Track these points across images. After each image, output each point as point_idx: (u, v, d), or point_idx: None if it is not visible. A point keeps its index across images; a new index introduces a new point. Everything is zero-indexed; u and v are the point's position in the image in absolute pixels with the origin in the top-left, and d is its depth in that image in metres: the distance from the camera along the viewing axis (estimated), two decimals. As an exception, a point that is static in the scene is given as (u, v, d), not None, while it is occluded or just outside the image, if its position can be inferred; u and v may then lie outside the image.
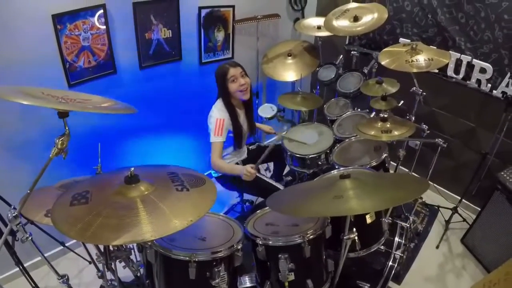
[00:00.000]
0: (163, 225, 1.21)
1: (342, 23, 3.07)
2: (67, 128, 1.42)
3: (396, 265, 2.24)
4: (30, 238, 1.71)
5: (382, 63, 2.63)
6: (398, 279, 2.64)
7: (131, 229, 1.18)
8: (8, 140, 2.37)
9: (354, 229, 1.72)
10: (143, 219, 1.22)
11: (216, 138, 2.49)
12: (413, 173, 3.12)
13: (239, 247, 1.74)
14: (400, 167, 3.04)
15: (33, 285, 2.16)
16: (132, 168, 1.38)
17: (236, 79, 2.52)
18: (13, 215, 1.50)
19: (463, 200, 3.13)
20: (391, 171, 2.82)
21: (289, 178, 3.24)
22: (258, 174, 2.47)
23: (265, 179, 2.63)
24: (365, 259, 2.12)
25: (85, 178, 1.73)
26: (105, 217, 1.22)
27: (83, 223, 1.21)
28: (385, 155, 2.45)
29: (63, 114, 1.39)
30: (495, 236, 2.65)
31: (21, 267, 2.08)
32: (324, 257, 1.88)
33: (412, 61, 2.52)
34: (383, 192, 1.57)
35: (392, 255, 2.29)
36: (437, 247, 2.99)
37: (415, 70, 2.47)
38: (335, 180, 1.65)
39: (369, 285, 2.18)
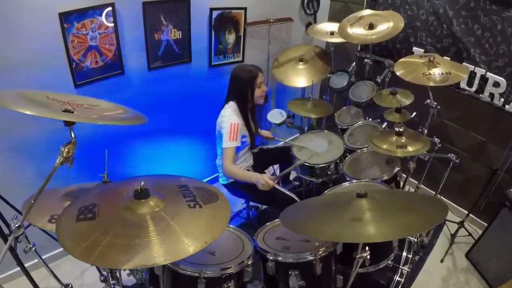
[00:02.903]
0: (175, 248, 1.15)
1: (357, 31, 3.01)
2: (73, 136, 1.35)
3: (403, 280, 2.21)
4: (33, 248, 1.66)
5: (398, 73, 2.57)
6: (402, 291, 2.61)
7: (142, 251, 1.12)
8: (12, 142, 2.31)
9: (367, 248, 1.67)
10: (154, 240, 1.16)
11: (231, 143, 2.40)
12: (422, 185, 3.05)
13: (249, 262, 1.71)
14: (410, 179, 3.00)
15: (35, 286, 2.11)
16: (142, 182, 1.32)
17: (262, 84, 2.52)
18: (16, 225, 1.45)
19: (470, 214, 3.09)
20: (401, 183, 2.77)
21: (297, 183, 3.20)
22: (275, 185, 2.40)
23: (281, 189, 2.54)
24: (371, 273, 2.08)
25: (92, 186, 1.68)
26: (113, 236, 1.16)
27: (89, 241, 1.15)
28: (397, 169, 2.40)
29: (69, 122, 1.34)
30: (500, 252, 2.61)
31: (22, 268, 2.03)
32: (334, 273, 1.84)
33: (429, 74, 2.45)
34: (401, 216, 1.51)
35: (400, 270, 2.27)
36: (442, 261, 2.95)
37: (432, 84, 2.40)
38: (351, 199, 1.60)
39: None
